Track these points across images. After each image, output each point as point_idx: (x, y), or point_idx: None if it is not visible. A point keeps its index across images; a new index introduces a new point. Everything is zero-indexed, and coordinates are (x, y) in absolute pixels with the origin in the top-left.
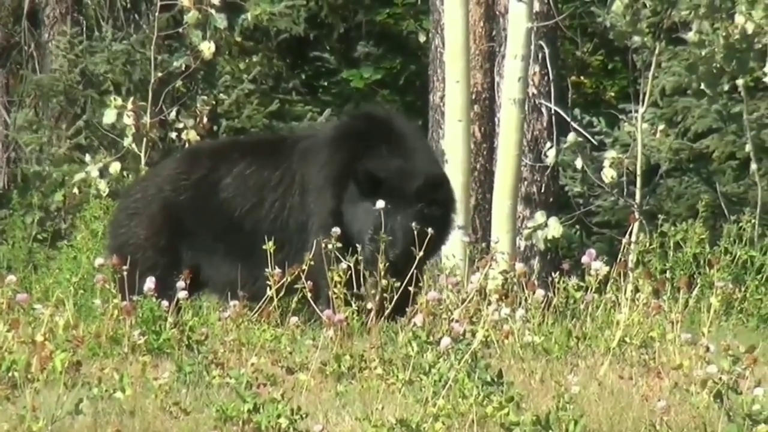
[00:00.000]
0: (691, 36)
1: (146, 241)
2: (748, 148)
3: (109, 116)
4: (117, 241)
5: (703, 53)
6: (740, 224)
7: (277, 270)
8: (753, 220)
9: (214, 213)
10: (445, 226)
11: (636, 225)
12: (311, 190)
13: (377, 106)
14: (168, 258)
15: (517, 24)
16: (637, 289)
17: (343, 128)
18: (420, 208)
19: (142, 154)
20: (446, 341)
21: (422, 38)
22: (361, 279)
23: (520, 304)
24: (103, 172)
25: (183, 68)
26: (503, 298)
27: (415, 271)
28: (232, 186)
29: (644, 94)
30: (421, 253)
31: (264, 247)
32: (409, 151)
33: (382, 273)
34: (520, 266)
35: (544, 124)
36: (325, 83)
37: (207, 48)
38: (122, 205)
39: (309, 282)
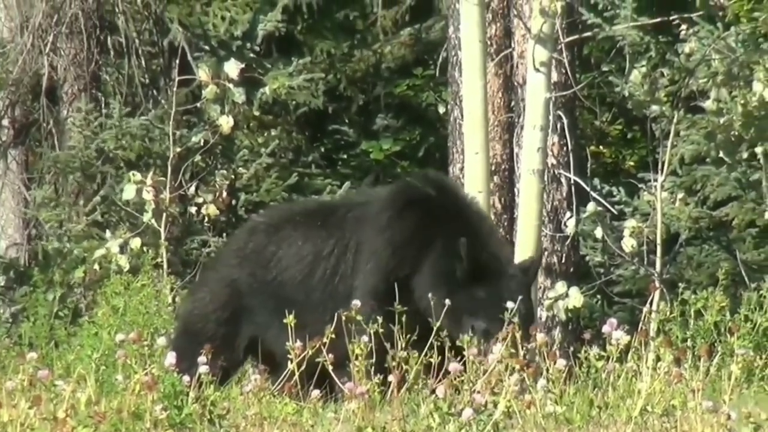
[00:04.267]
0: (709, 104)
1: (212, 314)
2: (767, 215)
3: (128, 192)
4: (188, 306)
5: (722, 121)
6: (761, 292)
7: (298, 343)
8: None
9: (268, 287)
10: None
11: (657, 294)
12: (365, 252)
13: (429, 172)
14: (228, 329)
15: (536, 94)
16: (658, 358)
17: (403, 193)
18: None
19: (162, 230)
20: (468, 412)
21: (441, 110)
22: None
23: (541, 374)
24: (124, 248)
25: (202, 143)
26: (525, 368)
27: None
28: (285, 259)
29: (663, 162)
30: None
31: (315, 318)
32: (484, 227)
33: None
34: (541, 336)
35: (564, 195)
36: (345, 156)
37: (225, 122)
38: (201, 275)
39: (330, 355)
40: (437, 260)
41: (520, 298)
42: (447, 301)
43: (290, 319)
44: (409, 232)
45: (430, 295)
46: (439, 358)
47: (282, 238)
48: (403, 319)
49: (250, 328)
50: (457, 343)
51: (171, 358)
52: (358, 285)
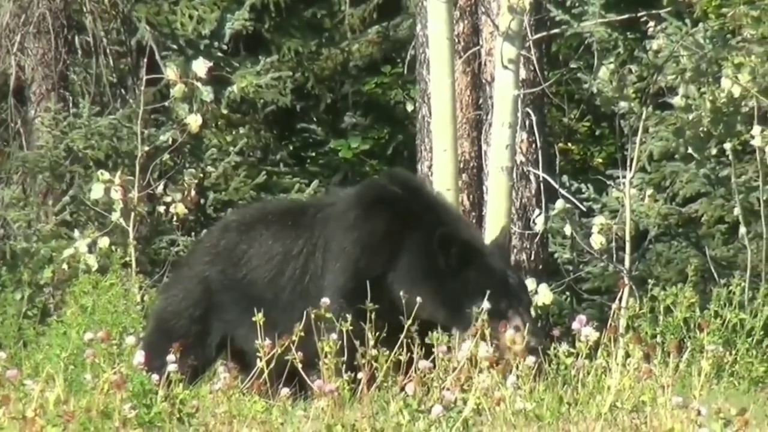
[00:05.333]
0: (677, 100)
1: (184, 311)
2: (736, 211)
3: (96, 191)
4: (162, 303)
5: (690, 117)
6: (730, 287)
7: (267, 342)
8: (743, 283)
9: (238, 285)
10: None
11: (626, 290)
12: (333, 251)
13: (391, 171)
14: (200, 327)
15: (504, 92)
16: (627, 354)
17: (370, 191)
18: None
19: (131, 229)
20: (438, 409)
21: (410, 107)
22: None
23: (511, 371)
24: (92, 248)
25: (170, 142)
26: (494, 365)
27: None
28: (255, 258)
29: (632, 159)
30: None
31: (285, 317)
32: (452, 215)
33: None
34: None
35: (533, 192)
36: (313, 154)
37: (194, 121)
38: (175, 272)
39: (299, 353)
40: (414, 257)
41: (509, 271)
42: (418, 298)
43: (259, 318)
44: (378, 231)
45: (418, 299)
46: (411, 354)
47: (253, 236)
48: (374, 317)
49: (221, 325)
50: (427, 340)
51: (140, 356)
52: (327, 284)
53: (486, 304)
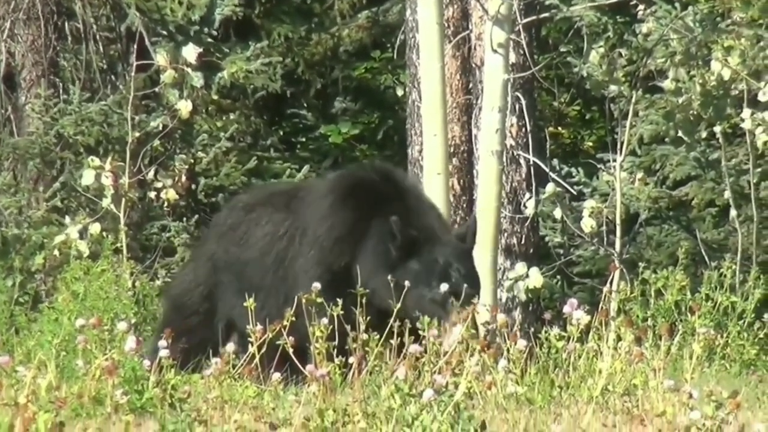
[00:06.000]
0: (667, 84)
1: (195, 289)
2: (727, 194)
3: (87, 177)
4: (175, 281)
5: (680, 101)
6: (721, 270)
7: (259, 327)
8: (733, 266)
9: (235, 266)
10: None
11: (617, 274)
12: (309, 236)
13: (374, 162)
14: (208, 305)
15: (494, 76)
16: (619, 338)
17: (348, 179)
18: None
19: (121, 215)
20: (429, 393)
21: (400, 92)
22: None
23: (502, 354)
24: (83, 234)
25: (160, 128)
26: (485, 349)
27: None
28: (252, 238)
29: (622, 143)
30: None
31: (271, 300)
32: (422, 205)
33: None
34: (501, 317)
35: (523, 176)
36: (303, 139)
37: (184, 107)
38: (193, 250)
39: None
40: (374, 245)
41: (456, 261)
42: (389, 280)
43: (251, 303)
44: (349, 221)
45: (389, 278)
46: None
47: (252, 218)
48: (348, 305)
49: (223, 306)
50: (418, 325)
51: (131, 342)
52: (299, 271)
53: (424, 294)
